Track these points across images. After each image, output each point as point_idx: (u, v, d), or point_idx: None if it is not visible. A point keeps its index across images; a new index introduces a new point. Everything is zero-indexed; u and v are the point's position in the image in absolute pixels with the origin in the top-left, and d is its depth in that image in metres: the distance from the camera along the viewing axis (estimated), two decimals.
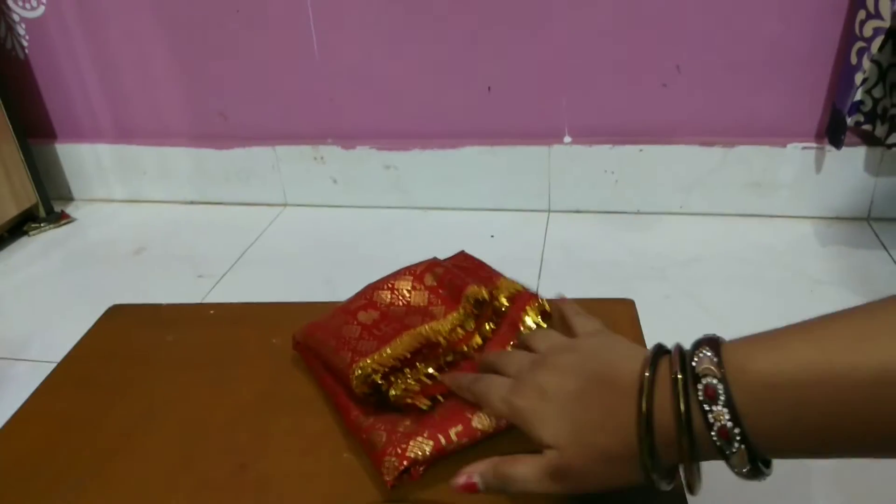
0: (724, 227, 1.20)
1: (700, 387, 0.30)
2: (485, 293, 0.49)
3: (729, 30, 1.09)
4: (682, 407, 0.31)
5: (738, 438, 0.30)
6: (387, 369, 0.44)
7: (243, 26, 1.26)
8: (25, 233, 1.38)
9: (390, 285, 0.51)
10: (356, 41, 1.23)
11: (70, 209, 1.46)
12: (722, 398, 0.30)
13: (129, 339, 0.56)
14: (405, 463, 0.40)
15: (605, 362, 0.37)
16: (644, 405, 0.32)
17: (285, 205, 1.40)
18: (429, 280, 0.51)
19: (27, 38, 1.36)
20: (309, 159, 1.34)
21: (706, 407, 0.30)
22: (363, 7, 1.19)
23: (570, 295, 0.58)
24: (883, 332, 0.27)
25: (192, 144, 1.39)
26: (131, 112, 1.41)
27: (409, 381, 0.44)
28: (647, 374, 0.33)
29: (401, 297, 0.50)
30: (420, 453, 0.40)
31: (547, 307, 0.50)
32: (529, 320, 0.49)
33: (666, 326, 0.96)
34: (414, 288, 0.51)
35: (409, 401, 0.43)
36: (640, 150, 1.20)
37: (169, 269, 1.22)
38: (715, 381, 0.30)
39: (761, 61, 1.11)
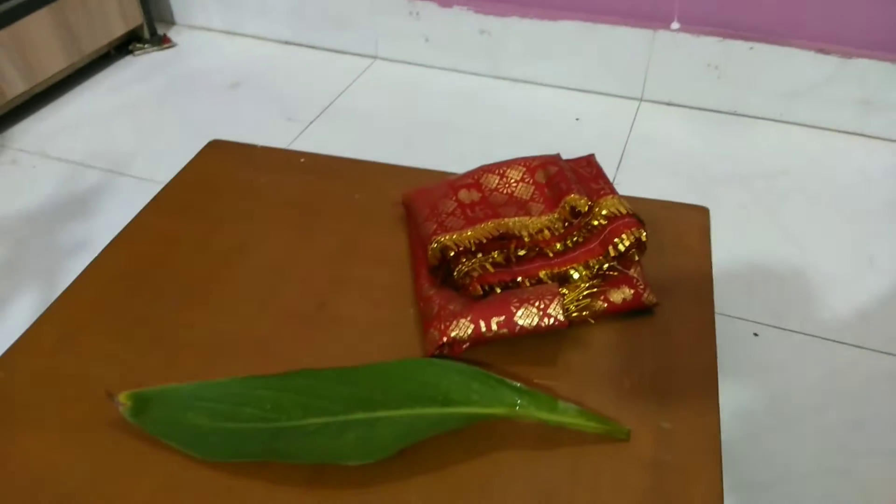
0: (822, 143, 1.15)
1: None
2: (585, 205, 0.49)
3: None
4: None
5: None
6: (461, 248, 0.47)
7: None
8: (130, 52, 1.43)
9: (501, 171, 0.53)
10: None
11: (171, 33, 1.50)
12: None
13: (226, 174, 0.61)
14: (444, 339, 0.43)
15: None
16: None
17: (375, 57, 1.40)
18: (539, 176, 0.52)
19: None
20: (404, 14, 1.32)
21: None
22: None
23: (644, 194, 0.58)
24: None
25: None
26: None
27: (475, 264, 0.47)
28: None
29: (507, 186, 0.52)
30: (460, 334, 0.43)
31: (644, 238, 0.48)
32: (621, 245, 0.47)
33: (738, 239, 0.95)
34: (523, 180, 0.52)
35: (466, 282, 0.46)
36: (751, 48, 1.13)
37: (261, 107, 1.26)
38: None
39: None
